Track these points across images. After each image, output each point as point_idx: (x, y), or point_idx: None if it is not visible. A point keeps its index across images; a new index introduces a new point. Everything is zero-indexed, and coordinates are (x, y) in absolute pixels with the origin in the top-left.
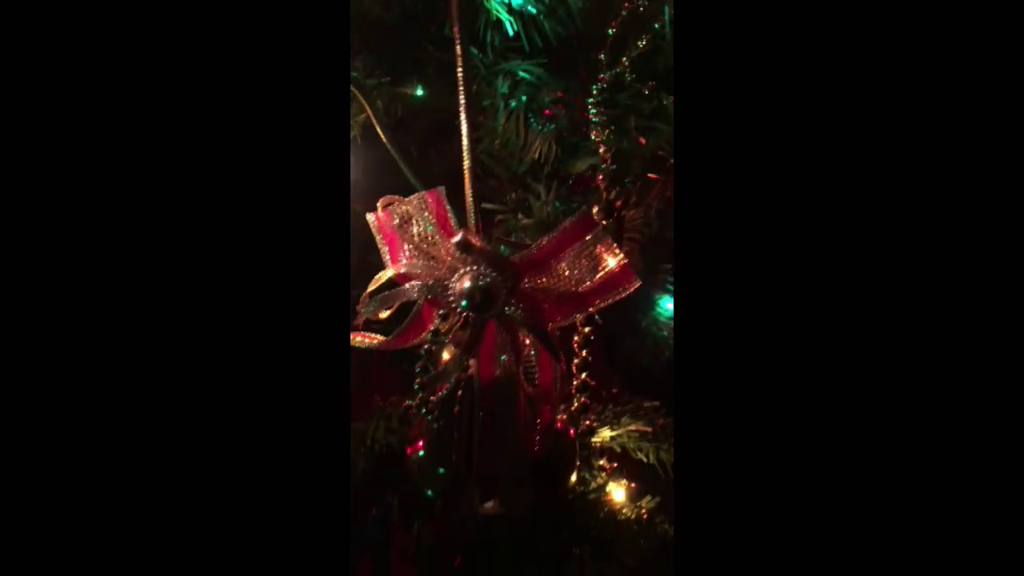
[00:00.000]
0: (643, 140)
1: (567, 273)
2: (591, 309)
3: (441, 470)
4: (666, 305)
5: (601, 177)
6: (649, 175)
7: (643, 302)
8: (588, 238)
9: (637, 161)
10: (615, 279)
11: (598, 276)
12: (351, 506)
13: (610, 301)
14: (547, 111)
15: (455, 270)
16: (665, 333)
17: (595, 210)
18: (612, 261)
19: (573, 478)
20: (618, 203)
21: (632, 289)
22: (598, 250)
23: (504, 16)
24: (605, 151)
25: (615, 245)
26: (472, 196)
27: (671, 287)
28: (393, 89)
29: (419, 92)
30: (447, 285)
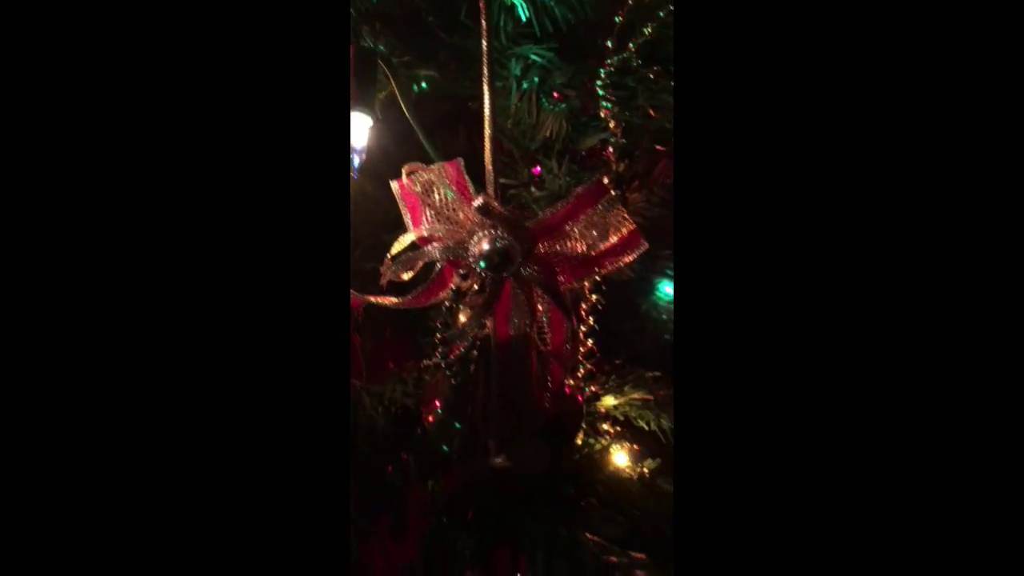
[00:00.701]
0: (652, 112)
1: (580, 237)
2: (602, 271)
3: (457, 425)
4: (665, 289)
5: (611, 150)
6: (657, 147)
7: (642, 286)
8: (600, 205)
9: (647, 135)
10: (625, 243)
11: (609, 240)
12: (351, 491)
13: (620, 264)
14: (556, 94)
15: (474, 233)
16: (664, 316)
17: (605, 181)
18: (623, 226)
19: (579, 439)
20: (622, 185)
21: (641, 252)
22: (609, 216)
23: (518, 1)
24: (615, 125)
25: (625, 211)
26: (492, 168)
27: (670, 272)
28: (410, 71)
29: (423, 84)
30: (467, 247)
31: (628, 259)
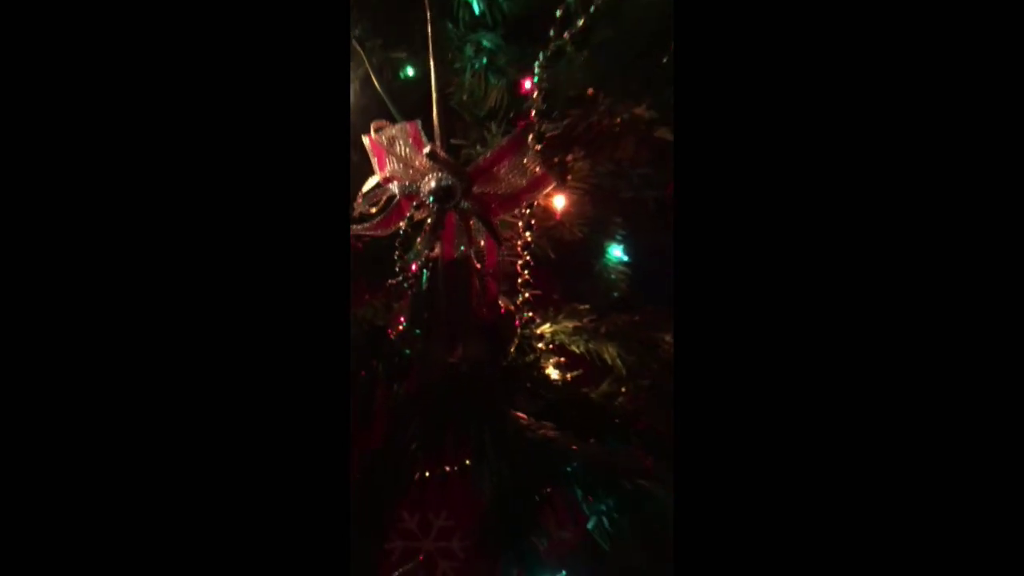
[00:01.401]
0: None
1: (505, 178)
2: (522, 205)
3: (417, 332)
4: (614, 252)
5: (534, 112)
6: (568, 111)
7: (595, 249)
8: (520, 153)
9: (563, 101)
10: (538, 182)
11: (526, 180)
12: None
13: (536, 197)
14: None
15: (425, 174)
16: (613, 276)
17: (530, 137)
18: (536, 169)
19: (512, 350)
20: (568, 157)
21: (550, 188)
22: (526, 161)
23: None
24: (538, 94)
25: (538, 159)
26: (439, 126)
27: (620, 236)
28: (385, 53)
29: (410, 72)
30: (419, 185)
31: (542, 193)
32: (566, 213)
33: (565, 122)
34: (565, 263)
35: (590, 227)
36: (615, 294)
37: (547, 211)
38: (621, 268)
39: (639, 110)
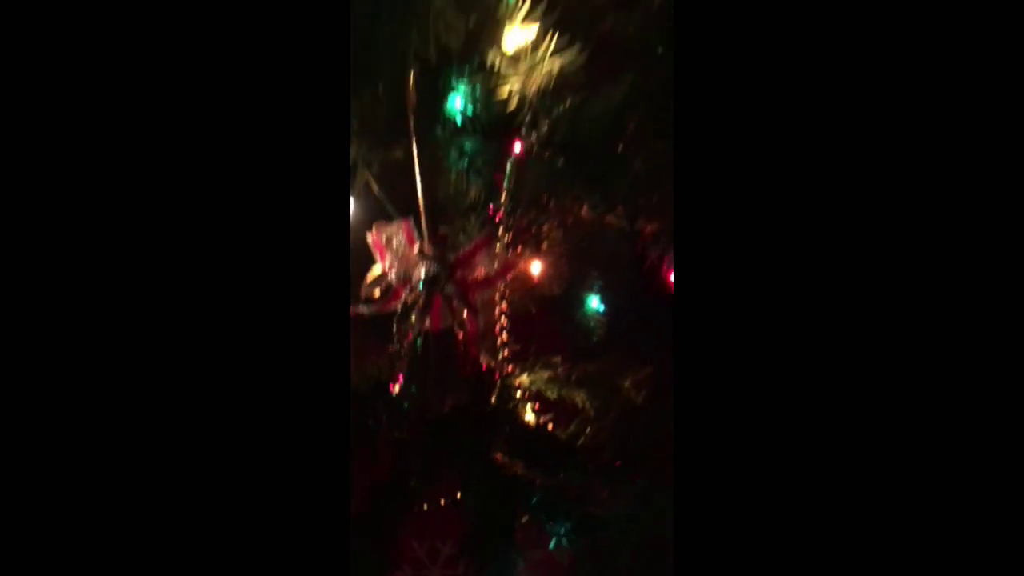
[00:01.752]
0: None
1: (480, 266)
2: (497, 285)
3: (413, 388)
4: (591, 303)
5: (502, 211)
6: (530, 211)
7: (575, 301)
8: (490, 245)
9: (524, 197)
10: (507, 267)
11: (495, 268)
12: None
13: (505, 280)
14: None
15: (417, 264)
16: (592, 324)
17: (500, 230)
18: (503, 257)
19: (493, 399)
20: (544, 227)
21: (513, 274)
22: (496, 253)
23: (455, 115)
24: (505, 195)
25: (506, 249)
26: (427, 224)
27: (595, 287)
28: (383, 155)
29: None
30: (412, 273)
31: (508, 278)
32: (544, 275)
33: (529, 217)
34: (548, 316)
35: (567, 284)
36: (594, 338)
37: (527, 275)
38: (599, 317)
39: (584, 211)
